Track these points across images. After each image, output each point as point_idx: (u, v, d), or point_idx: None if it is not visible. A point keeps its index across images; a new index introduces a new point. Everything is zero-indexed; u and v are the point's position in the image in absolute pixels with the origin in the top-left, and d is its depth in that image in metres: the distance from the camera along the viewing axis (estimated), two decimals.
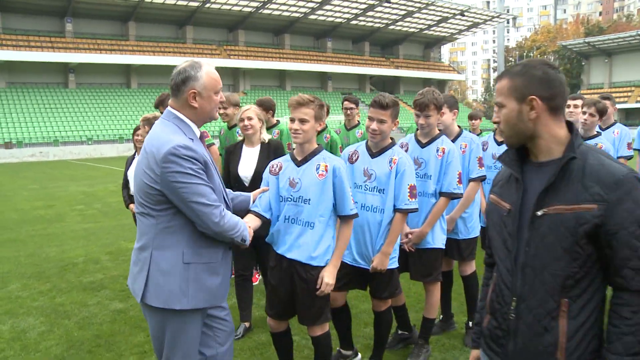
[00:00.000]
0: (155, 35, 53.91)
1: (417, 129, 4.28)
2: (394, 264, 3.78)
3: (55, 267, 7.50)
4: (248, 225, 2.88)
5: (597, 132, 5.42)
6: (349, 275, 3.83)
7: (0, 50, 43.54)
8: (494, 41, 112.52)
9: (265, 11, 55.62)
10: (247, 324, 4.87)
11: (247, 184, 4.59)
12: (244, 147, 4.74)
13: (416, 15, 62.50)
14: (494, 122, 2.01)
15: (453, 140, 4.41)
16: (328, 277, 3.31)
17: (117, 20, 51.89)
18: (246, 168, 4.65)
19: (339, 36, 65.21)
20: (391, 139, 3.81)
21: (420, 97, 4.10)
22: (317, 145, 3.44)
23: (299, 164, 3.39)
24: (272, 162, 3.54)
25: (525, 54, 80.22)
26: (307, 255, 3.31)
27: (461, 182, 4.16)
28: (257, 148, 4.67)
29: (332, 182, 3.30)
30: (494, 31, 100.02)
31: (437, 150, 4.12)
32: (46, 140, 40.90)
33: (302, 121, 3.28)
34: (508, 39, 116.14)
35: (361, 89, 66.48)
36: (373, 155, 3.75)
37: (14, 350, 4.66)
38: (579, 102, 6.26)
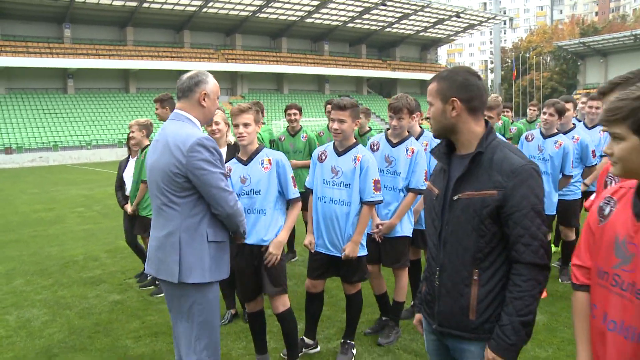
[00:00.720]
0: (153, 40, 54.32)
1: (388, 129, 4.72)
2: (363, 251, 4.20)
3: (57, 264, 7.94)
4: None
5: (557, 130, 5.82)
6: (325, 265, 4.26)
7: None
8: (491, 42, 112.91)
9: (262, 15, 56.04)
10: (232, 311, 5.30)
11: None
12: None
13: (412, 17, 62.97)
14: (426, 118, 2.39)
15: (417, 138, 4.84)
16: (272, 248, 3.87)
17: (115, 26, 52.31)
18: None
19: (335, 39, 65.66)
20: (355, 138, 4.24)
21: (395, 101, 4.56)
22: (258, 145, 4.00)
23: (245, 162, 3.96)
24: None
25: (521, 54, 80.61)
26: (263, 238, 3.86)
27: (427, 179, 4.59)
28: (224, 150, 5.08)
29: (277, 172, 3.90)
30: (491, 32, 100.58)
31: (407, 150, 4.55)
32: (46, 146, 41.29)
33: (246, 125, 3.87)
34: (505, 40, 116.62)
35: (358, 91, 66.92)
36: (339, 154, 4.18)
37: (20, 336, 5.10)
38: (597, 102, 6.40)
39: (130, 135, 6.42)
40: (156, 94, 51.79)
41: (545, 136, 5.75)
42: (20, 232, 10.88)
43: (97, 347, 4.78)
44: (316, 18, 59.53)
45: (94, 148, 42.67)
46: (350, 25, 62.76)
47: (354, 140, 4.21)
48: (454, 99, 2.25)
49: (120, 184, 6.77)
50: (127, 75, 51.91)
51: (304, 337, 4.53)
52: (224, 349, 4.60)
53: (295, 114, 7.03)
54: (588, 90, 58.05)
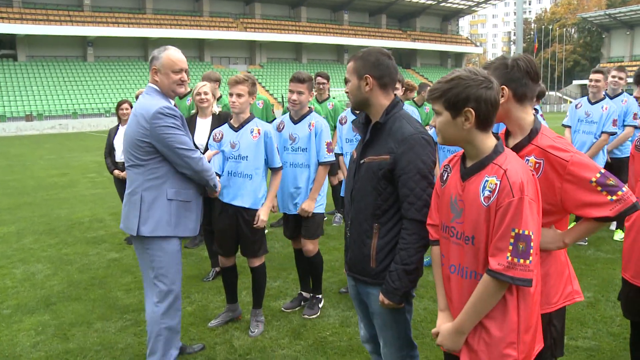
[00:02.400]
0: (172, 9, 54.52)
1: (347, 103, 5.10)
2: (321, 209, 4.58)
3: (64, 225, 8.47)
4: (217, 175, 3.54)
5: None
6: (292, 223, 4.64)
7: (20, 24, 44.62)
8: (515, 13, 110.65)
9: None
10: (217, 269, 5.71)
11: (202, 151, 5.21)
12: (198, 119, 5.50)
13: None
14: (346, 92, 2.72)
15: None
16: (263, 215, 4.22)
17: None
18: (201, 137, 5.39)
19: (355, 8, 65.16)
20: (309, 107, 4.61)
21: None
22: (249, 114, 4.30)
23: (236, 129, 4.27)
24: (213, 132, 4.37)
25: (544, 26, 79.06)
26: (248, 201, 4.19)
27: None
28: (209, 119, 5.43)
29: (264, 142, 4.21)
30: (515, 3, 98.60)
31: None
32: (65, 113, 42.13)
33: (239, 95, 4.18)
34: (529, 11, 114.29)
35: None
36: (295, 122, 4.56)
37: (24, 287, 5.60)
38: (599, 76, 6.56)
39: (122, 105, 6.92)
40: None
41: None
42: (35, 195, 11.46)
43: (91, 297, 5.26)
44: None
45: (112, 116, 43.28)
46: None
47: (308, 109, 4.59)
48: (367, 75, 2.58)
49: (109, 150, 7.15)
50: (147, 44, 52.28)
51: (301, 292, 4.97)
52: (204, 301, 5.06)
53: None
54: (615, 64, 56.89)
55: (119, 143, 7.03)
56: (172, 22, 52.61)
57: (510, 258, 1.93)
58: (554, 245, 2.31)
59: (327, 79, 7.58)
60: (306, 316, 4.64)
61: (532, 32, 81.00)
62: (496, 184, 1.98)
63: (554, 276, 2.35)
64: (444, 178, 2.25)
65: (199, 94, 5.36)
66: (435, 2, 67.86)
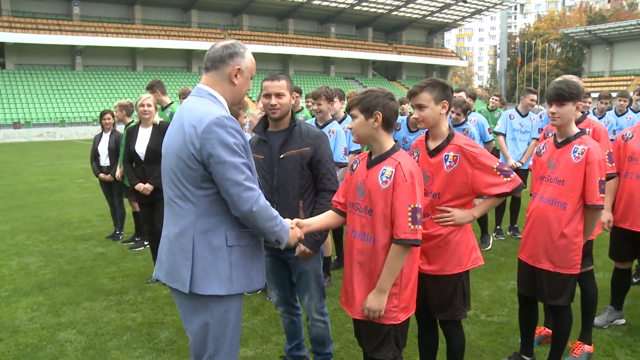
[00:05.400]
0: (161, 19, 55.19)
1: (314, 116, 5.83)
2: None
3: (54, 224, 9.17)
4: (291, 227, 2.74)
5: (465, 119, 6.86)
6: None
7: (9, 32, 45.06)
8: (500, 27, 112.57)
9: None
10: None
11: (142, 159, 5.87)
12: (140, 128, 5.97)
13: (419, 1, 63.29)
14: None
15: (340, 122, 5.91)
16: None
17: (123, 4, 53.21)
18: (141, 145, 5.87)
19: (342, 21, 66.16)
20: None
21: (316, 89, 5.70)
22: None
23: None
24: None
25: (527, 41, 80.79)
26: None
27: (347, 154, 5.65)
28: (150, 129, 5.92)
29: None
30: (500, 17, 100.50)
31: (329, 132, 5.61)
32: (53, 121, 42.53)
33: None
34: (515, 26, 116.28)
35: (364, 74, 67.66)
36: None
37: (20, 275, 6.32)
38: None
39: (106, 115, 7.65)
40: (163, 72, 51.91)
41: (455, 125, 6.78)
42: (25, 199, 12.10)
43: (79, 283, 5.97)
44: (323, 0, 59.95)
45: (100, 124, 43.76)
46: (357, 7, 63.13)
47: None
48: (296, 94, 3.44)
49: (94, 156, 7.91)
50: (135, 54, 52.92)
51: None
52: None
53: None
54: (596, 79, 57.99)
55: (102, 148, 7.77)
56: (160, 32, 53.24)
57: (412, 226, 2.68)
58: (466, 220, 3.12)
59: (300, 92, 8.28)
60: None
61: (516, 46, 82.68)
62: (392, 172, 2.74)
63: (464, 244, 3.15)
64: (354, 168, 3.02)
65: (142, 105, 5.85)
66: (421, 16, 69.13)
